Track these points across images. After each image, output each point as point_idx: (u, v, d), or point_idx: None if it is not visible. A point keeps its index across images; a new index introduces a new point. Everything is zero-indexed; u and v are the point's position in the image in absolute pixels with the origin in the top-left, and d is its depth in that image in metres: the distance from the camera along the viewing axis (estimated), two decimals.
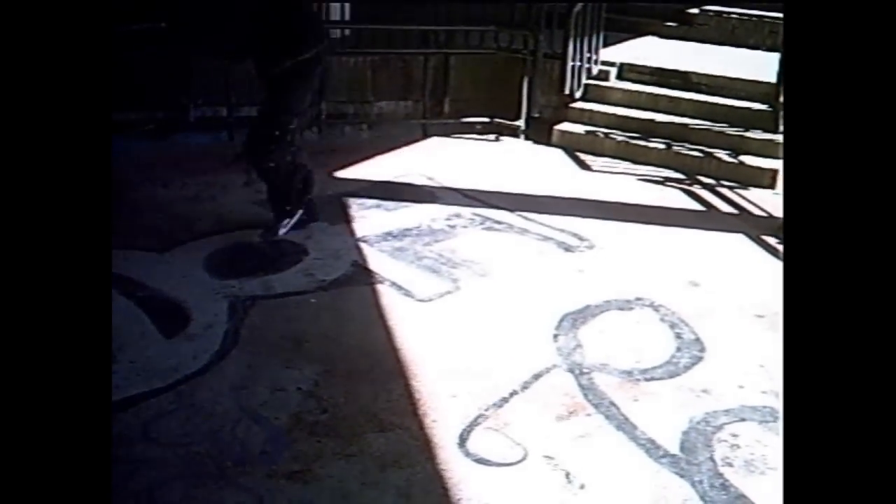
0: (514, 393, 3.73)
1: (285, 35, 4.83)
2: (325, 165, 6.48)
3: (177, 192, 5.91)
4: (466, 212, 5.72)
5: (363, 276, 4.75)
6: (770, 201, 6.20)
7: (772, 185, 6.51)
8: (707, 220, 5.88)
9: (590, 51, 7.70)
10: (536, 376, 3.85)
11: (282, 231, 5.17)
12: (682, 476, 3.24)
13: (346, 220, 5.54)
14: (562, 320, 4.35)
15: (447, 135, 7.64)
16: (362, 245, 5.15)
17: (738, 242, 5.51)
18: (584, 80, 7.70)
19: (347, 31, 8.42)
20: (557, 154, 7.24)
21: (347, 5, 8.47)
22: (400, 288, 4.62)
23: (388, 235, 5.29)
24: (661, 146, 7.05)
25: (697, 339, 4.22)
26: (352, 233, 5.33)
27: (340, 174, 6.43)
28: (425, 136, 7.65)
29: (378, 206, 5.77)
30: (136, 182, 6.03)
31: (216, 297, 4.45)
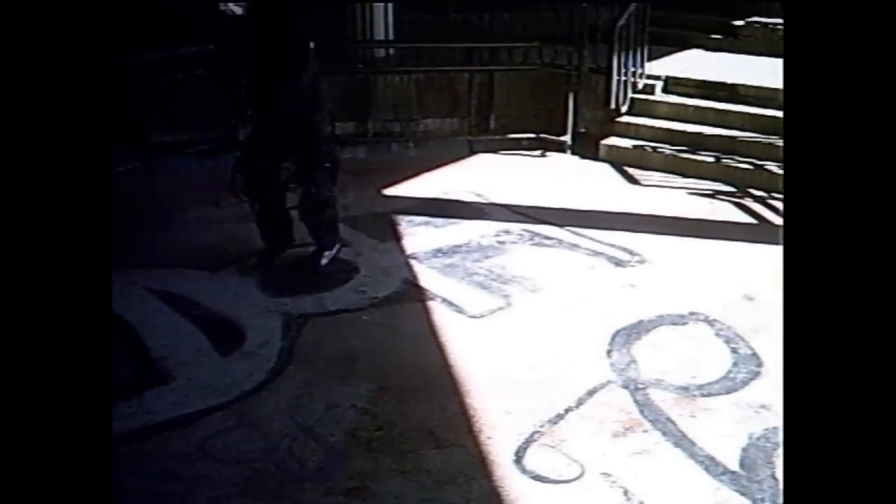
0: (569, 409, 3.70)
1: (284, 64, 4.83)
2: (372, 183, 6.55)
3: (228, 211, 5.96)
4: (515, 228, 5.71)
5: (414, 293, 4.77)
6: None
7: None
8: (759, 232, 5.81)
9: (635, 65, 7.67)
10: (591, 392, 3.83)
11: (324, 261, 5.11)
12: (742, 494, 3.19)
13: (396, 237, 5.57)
14: (615, 336, 4.32)
15: (493, 151, 7.65)
16: (412, 262, 5.17)
17: None
18: (629, 95, 7.67)
19: (392, 51, 8.50)
20: (605, 169, 7.22)
21: (391, 24, 8.54)
22: (451, 304, 4.62)
23: (438, 252, 5.30)
24: (710, 159, 6.99)
25: (754, 354, 4.16)
26: (402, 250, 5.36)
27: (388, 192, 6.47)
28: (472, 152, 7.66)
29: (427, 224, 5.79)
30: (188, 202, 6.12)
31: (270, 314, 4.49)
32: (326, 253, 5.10)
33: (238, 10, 4.80)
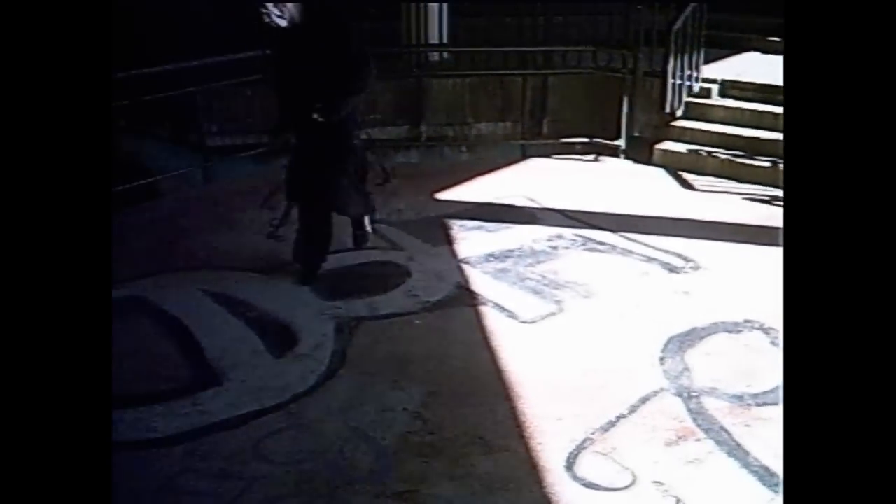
0: (620, 416, 3.67)
1: (345, 75, 4.75)
2: (425, 187, 6.57)
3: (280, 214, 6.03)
4: (568, 233, 5.69)
5: (466, 298, 4.77)
6: None
7: None
8: None
9: (690, 68, 7.59)
10: (643, 400, 3.79)
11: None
12: None
13: (448, 241, 5.58)
14: (668, 343, 4.28)
15: (546, 155, 7.62)
16: (465, 266, 5.17)
17: None
18: (684, 98, 7.60)
19: (446, 54, 8.53)
20: (659, 173, 7.15)
21: (445, 29, 8.57)
22: (503, 309, 4.62)
23: (491, 257, 5.30)
24: (767, 164, 6.88)
25: None
26: (454, 254, 5.36)
27: (441, 196, 6.48)
28: (524, 157, 7.65)
29: (479, 228, 5.79)
30: (241, 205, 6.20)
31: (322, 317, 4.53)
32: (367, 219, 5.35)
33: (281, 19, 4.70)
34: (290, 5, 4.65)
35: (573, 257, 5.34)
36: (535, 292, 4.83)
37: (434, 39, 8.38)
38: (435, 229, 5.75)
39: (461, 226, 5.83)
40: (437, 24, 8.42)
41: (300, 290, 4.86)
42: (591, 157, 7.59)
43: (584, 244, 5.53)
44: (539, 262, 5.23)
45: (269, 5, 4.60)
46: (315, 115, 4.68)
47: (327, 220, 5.00)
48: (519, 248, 5.43)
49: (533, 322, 4.51)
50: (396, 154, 8.18)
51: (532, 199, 6.38)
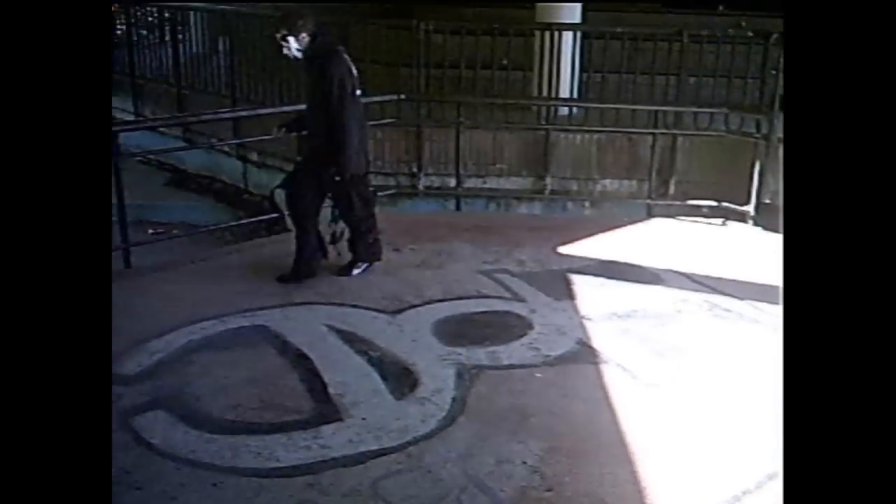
0: (746, 492, 3.55)
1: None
2: (548, 240, 6.56)
3: (407, 257, 6.13)
4: (694, 297, 5.58)
5: (588, 355, 4.71)
6: None
7: None
8: None
9: None
10: (771, 476, 3.65)
11: (355, 272, 5.74)
12: None
13: (571, 296, 5.53)
14: None
15: (672, 216, 7.51)
16: (587, 323, 5.12)
17: None
18: None
19: (575, 109, 8.55)
20: None
21: (576, 83, 8.61)
22: (625, 370, 4.54)
23: (613, 315, 5.23)
24: None
25: None
26: (576, 309, 5.32)
27: (564, 250, 6.45)
28: (649, 216, 7.56)
29: (603, 285, 5.74)
30: None
31: (444, 362, 4.54)
32: (359, 264, 5.75)
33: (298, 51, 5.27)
34: (305, 38, 5.21)
35: (698, 322, 5.22)
36: (659, 355, 4.74)
37: (565, 93, 8.41)
38: (557, 283, 5.72)
39: (584, 281, 5.79)
40: (568, 78, 8.46)
41: (422, 333, 4.89)
42: (719, 221, 7.44)
43: (709, 310, 5.41)
44: (663, 325, 5.13)
45: (290, 38, 5.20)
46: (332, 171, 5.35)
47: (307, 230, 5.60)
48: (643, 309, 5.35)
49: (656, 385, 4.42)
50: (519, 205, 8.22)
51: (657, 260, 6.29)
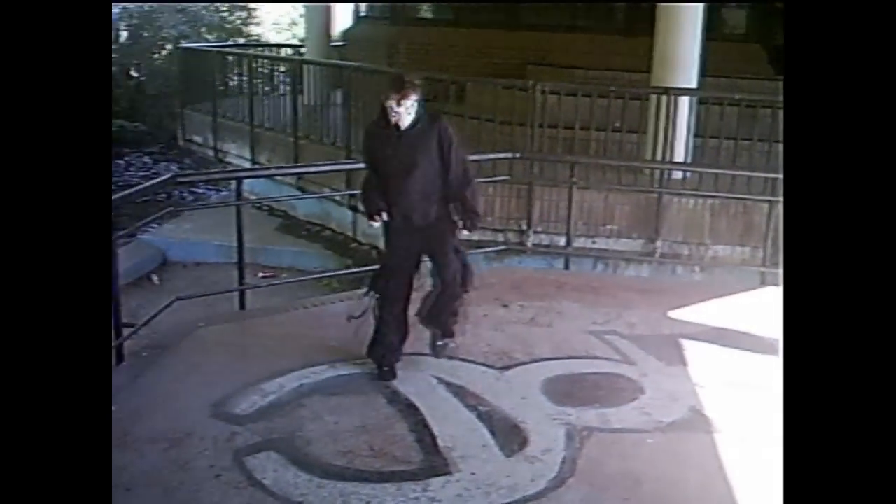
0: None
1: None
2: (659, 304, 6.46)
3: (515, 313, 6.11)
4: None
5: (702, 423, 4.59)
6: None
7: None
8: None
9: None
10: None
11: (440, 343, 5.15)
12: None
13: (683, 362, 5.41)
14: None
15: None
16: (699, 390, 4.99)
17: None
18: None
19: (689, 173, 8.46)
20: None
21: (691, 146, 8.54)
22: (741, 440, 4.40)
23: (728, 384, 5.09)
24: None
25: None
26: (688, 376, 5.19)
27: (674, 314, 6.33)
28: (763, 284, 7.37)
29: (716, 353, 5.59)
30: (478, 300, 6.30)
31: (553, 422, 4.49)
32: (447, 340, 5.12)
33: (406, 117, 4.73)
34: (415, 104, 4.71)
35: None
36: (775, 427, 4.57)
37: (679, 157, 8.34)
38: (669, 348, 5.60)
39: (696, 348, 5.65)
40: (683, 141, 8.39)
41: (531, 390, 4.85)
42: None
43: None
44: (779, 396, 4.95)
45: (405, 103, 4.67)
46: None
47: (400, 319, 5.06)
48: (758, 379, 5.19)
49: (772, 458, 4.26)
50: (628, 267, 8.14)
51: (772, 329, 6.10)
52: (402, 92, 4.69)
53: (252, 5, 22.65)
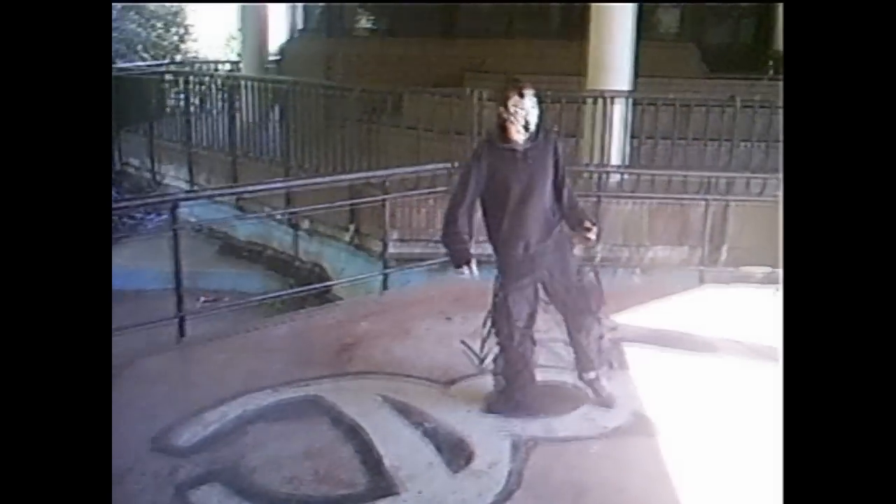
0: None
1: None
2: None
3: (458, 327, 6.10)
4: (752, 365, 5.47)
5: (645, 427, 4.64)
6: None
7: None
8: None
9: None
10: None
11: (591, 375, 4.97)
12: None
13: (623, 366, 5.46)
14: None
15: (725, 283, 7.43)
16: (641, 394, 5.05)
17: None
18: None
19: (626, 176, 8.55)
20: None
21: (627, 150, 8.64)
22: (686, 442, 4.46)
23: (667, 386, 5.15)
24: None
25: None
26: (630, 380, 5.25)
27: (615, 319, 6.37)
28: (702, 283, 7.48)
29: (656, 355, 5.66)
30: (420, 314, 6.31)
31: (499, 434, 4.50)
32: (596, 373, 4.91)
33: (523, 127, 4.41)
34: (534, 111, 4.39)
35: (761, 394, 5.11)
36: (717, 425, 4.65)
37: (615, 159, 8.44)
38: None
39: (637, 351, 5.71)
40: (619, 144, 8.49)
41: (476, 405, 4.85)
42: (774, 288, 7.33)
43: (768, 379, 5.29)
44: (719, 395, 5.04)
45: (516, 95, 4.36)
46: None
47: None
48: (699, 379, 5.27)
49: (714, 457, 4.33)
50: None
51: (711, 328, 6.20)
52: (519, 86, 4.35)
53: (188, 21, 22.38)
